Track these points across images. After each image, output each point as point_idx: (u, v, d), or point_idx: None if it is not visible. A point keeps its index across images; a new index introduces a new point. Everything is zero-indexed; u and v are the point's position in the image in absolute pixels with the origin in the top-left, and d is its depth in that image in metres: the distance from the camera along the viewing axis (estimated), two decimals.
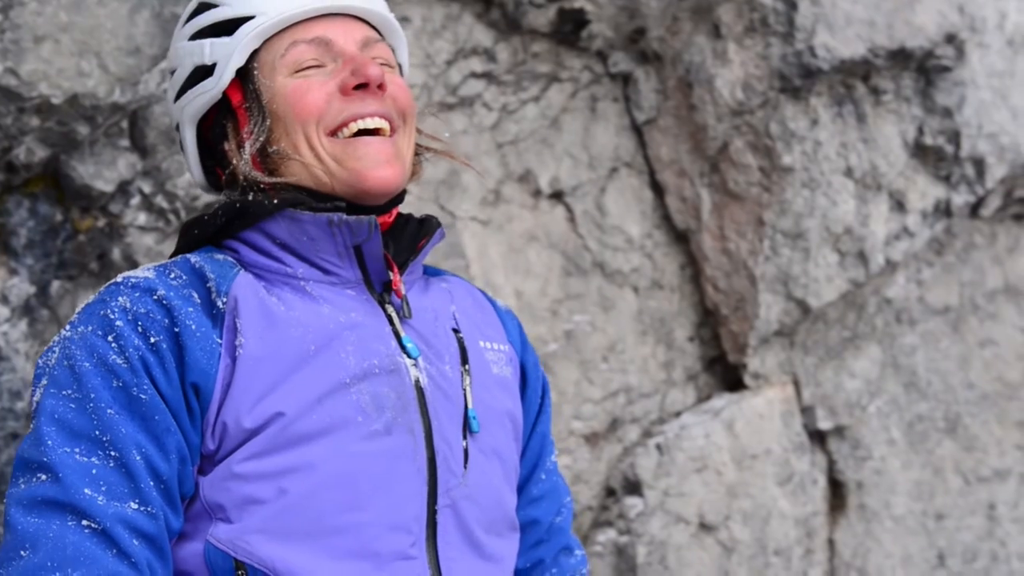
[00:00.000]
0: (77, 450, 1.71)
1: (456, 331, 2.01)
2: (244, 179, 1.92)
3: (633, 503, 3.32)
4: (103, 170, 2.66)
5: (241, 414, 1.77)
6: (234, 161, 1.93)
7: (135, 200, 2.70)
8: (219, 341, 1.79)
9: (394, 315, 1.92)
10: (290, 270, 1.88)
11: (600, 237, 3.30)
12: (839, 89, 3.33)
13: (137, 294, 1.78)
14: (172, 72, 2.03)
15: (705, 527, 3.36)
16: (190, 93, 1.97)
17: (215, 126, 1.97)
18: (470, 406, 1.95)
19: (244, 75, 1.95)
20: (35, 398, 1.77)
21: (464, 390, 1.96)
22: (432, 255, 3.06)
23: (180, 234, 1.99)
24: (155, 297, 1.79)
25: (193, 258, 1.87)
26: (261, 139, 1.91)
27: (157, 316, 1.77)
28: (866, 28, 3.30)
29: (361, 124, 1.90)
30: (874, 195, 3.38)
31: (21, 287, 2.63)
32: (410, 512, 1.83)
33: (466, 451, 1.92)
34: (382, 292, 1.93)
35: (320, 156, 1.89)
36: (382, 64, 1.97)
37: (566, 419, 3.26)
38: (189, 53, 1.97)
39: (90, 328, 1.77)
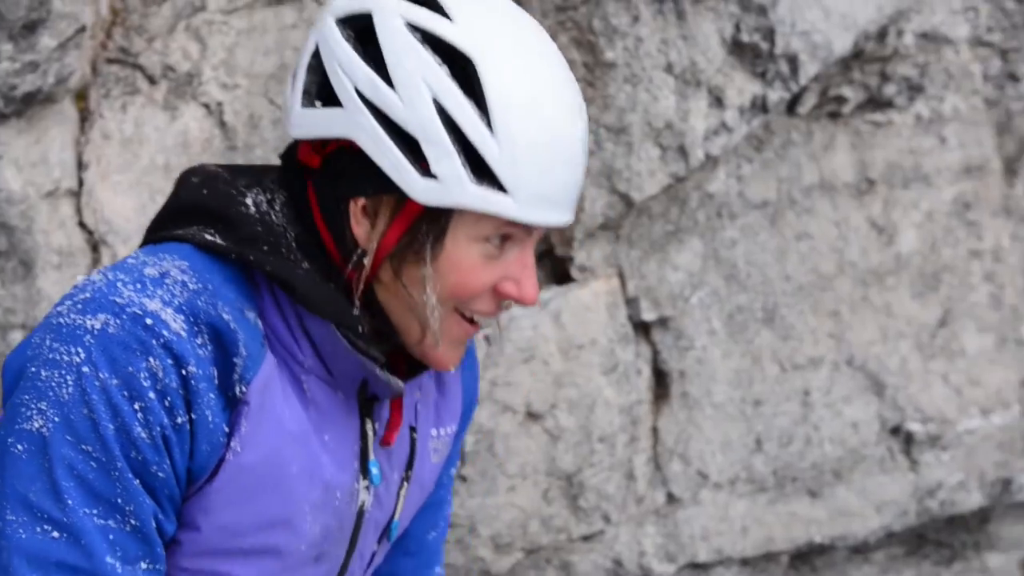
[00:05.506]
0: (95, 512, 1.62)
1: (412, 429, 1.91)
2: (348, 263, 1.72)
3: None
4: None
5: (201, 512, 1.72)
6: (357, 232, 1.71)
7: None
8: (226, 430, 1.69)
9: (371, 433, 1.82)
10: (300, 357, 1.75)
11: None
12: None
13: (170, 362, 1.63)
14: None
15: (532, 416, 3.44)
16: (390, 146, 1.66)
17: (367, 178, 1.69)
18: (396, 517, 1.91)
19: None
20: (35, 424, 1.63)
21: (398, 498, 1.90)
22: None
23: (226, 219, 1.72)
24: (184, 372, 1.64)
25: (226, 312, 1.68)
26: (406, 261, 1.69)
27: (182, 393, 1.64)
28: None
29: (478, 318, 1.77)
30: (694, 91, 3.43)
31: None
32: None
33: (373, 555, 1.92)
34: (370, 399, 1.82)
35: (432, 316, 1.71)
36: None
37: None
38: (427, 117, 1.65)
39: (115, 381, 1.62)
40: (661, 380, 3.64)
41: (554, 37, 3.40)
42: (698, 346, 3.63)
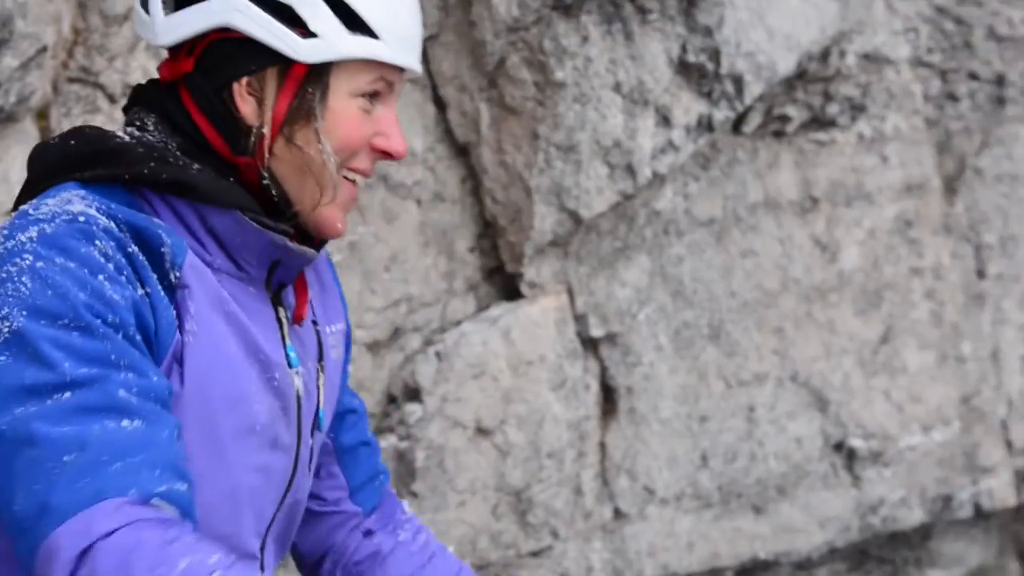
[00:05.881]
0: (95, 370, 1.59)
1: (315, 323, 1.96)
2: (243, 146, 1.78)
3: (413, 409, 3.39)
4: None
5: (178, 411, 1.71)
6: (245, 112, 1.78)
7: None
8: (173, 313, 1.70)
9: (284, 320, 1.88)
10: (209, 258, 1.77)
11: None
12: (608, 8, 3.42)
13: (113, 243, 1.65)
14: None
15: (482, 431, 3.45)
16: (266, 18, 1.76)
17: (248, 56, 1.78)
18: (321, 406, 1.95)
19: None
20: (4, 333, 1.58)
21: (319, 388, 1.95)
22: None
23: (88, 155, 1.75)
24: (129, 251, 1.66)
25: (136, 219, 1.70)
26: (295, 123, 1.78)
27: (131, 270, 1.66)
28: None
29: (357, 177, 1.86)
30: (641, 110, 3.47)
31: None
32: (266, 519, 1.88)
33: (312, 449, 1.95)
34: (277, 290, 1.87)
35: (330, 163, 1.79)
36: None
37: None
38: None
39: (72, 264, 1.61)
40: (609, 396, 3.67)
41: (506, 57, 3.46)
42: (645, 362, 3.66)
